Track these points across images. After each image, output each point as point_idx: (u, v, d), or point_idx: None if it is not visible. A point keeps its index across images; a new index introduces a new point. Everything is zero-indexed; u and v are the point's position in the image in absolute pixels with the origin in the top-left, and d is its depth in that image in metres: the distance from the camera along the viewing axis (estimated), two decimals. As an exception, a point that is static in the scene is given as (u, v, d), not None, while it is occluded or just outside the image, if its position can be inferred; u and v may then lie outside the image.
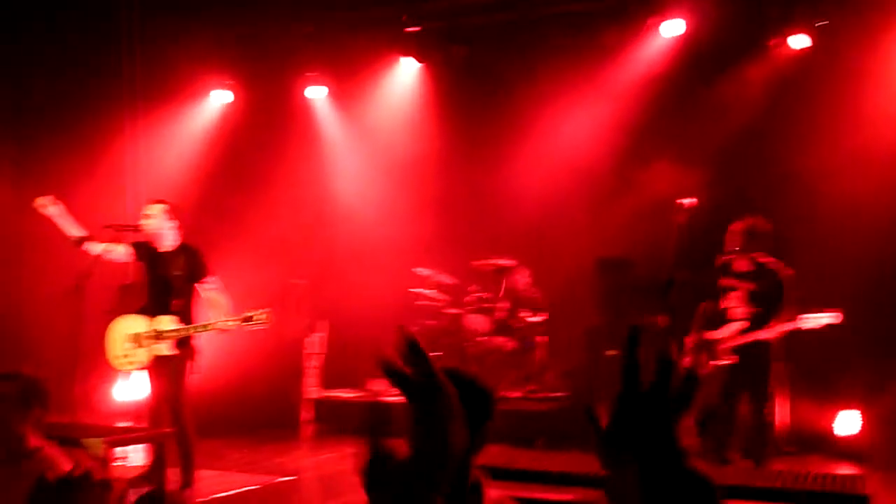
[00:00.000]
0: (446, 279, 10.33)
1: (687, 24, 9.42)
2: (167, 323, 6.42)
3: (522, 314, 9.98)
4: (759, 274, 6.67)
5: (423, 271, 10.21)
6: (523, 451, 6.04)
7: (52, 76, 9.50)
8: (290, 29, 10.50)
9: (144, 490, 6.29)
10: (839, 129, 8.62)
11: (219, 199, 10.32)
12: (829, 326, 6.47)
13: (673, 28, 9.46)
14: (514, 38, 10.23)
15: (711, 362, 6.67)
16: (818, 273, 7.63)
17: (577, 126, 10.05)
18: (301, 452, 8.94)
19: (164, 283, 6.51)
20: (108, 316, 6.76)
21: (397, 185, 10.75)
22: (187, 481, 6.40)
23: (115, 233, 6.54)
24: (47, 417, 3.65)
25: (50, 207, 6.46)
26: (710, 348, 6.70)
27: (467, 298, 10.26)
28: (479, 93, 10.67)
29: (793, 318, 6.48)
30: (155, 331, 6.41)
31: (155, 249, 6.60)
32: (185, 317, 6.50)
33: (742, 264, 6.73)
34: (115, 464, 7.06)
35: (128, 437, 6.29)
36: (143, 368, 6.56)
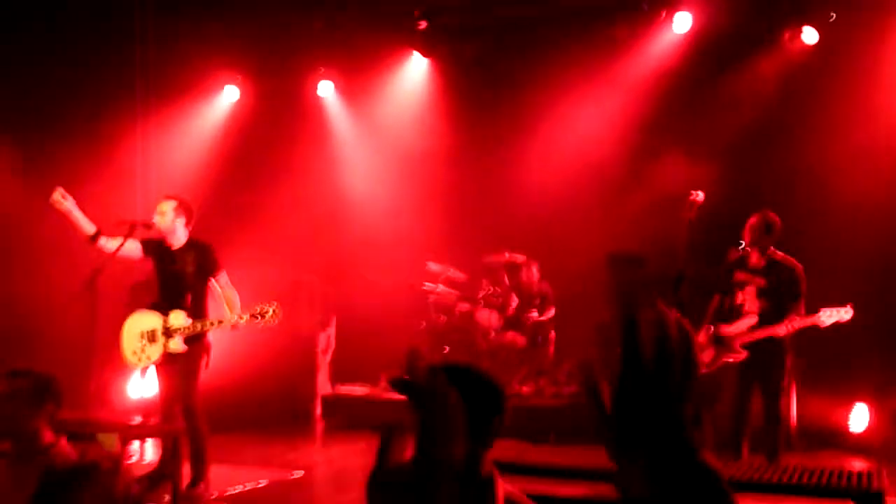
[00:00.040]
0: (457, 275, 10.33)
1: (697, 19, 9.40)
2: (179, 319, 6.44)
3: (533, 310, 9.98)
4: (772, 269, 6.65)
5: (433, 267, 10.22)
6: (535, 446, 6.03)
7: (62, 72, 9.52)
8: (300, 25, 10.51)
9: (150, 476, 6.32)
10: (850, 124, 8.58)
11: (229, 195, 10.34)
12: (841, 322, 6.45)
13: (684, 22, 9.43)
14: (523, 33, 10.23)
15: (725, 357, 6.66)
16: (829, 268, 7.61)
17: (587, 121, 10.04)
18: (312, 448, 8.96)
19: (176, 280, 6.53)
20: (122, 312, 6.78)
21: (408, 181, 10.76)
22: (200, 476, 6.43)
23: (130, 229, 6.55)
24: (60, 413, 3.67)
25: (66, 203, 6.48)
26: (723, 343, 6.69)
27: (478, 294, 10.26)
28: (489, 88, 10.66)
29: (809, 314, 6.45)
30: (167, 327, 6.44)
31: (166, 246, 6.62)
32: (197, 313, 6.51)
33: (755, 259, 6.72)
34: (128, 460, 7.11)
35: (141, 433, 6.32)
36: (156, 365, 6.58)
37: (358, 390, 10.30)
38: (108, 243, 6.53)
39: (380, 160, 11.18)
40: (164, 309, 6.51)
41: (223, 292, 6.60)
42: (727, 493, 1.03)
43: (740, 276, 6.75)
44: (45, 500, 1.71)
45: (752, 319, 6.61)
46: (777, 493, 4.27)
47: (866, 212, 8.34)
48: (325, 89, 11.12)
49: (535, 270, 10.11)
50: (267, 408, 9.73)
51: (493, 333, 10.00)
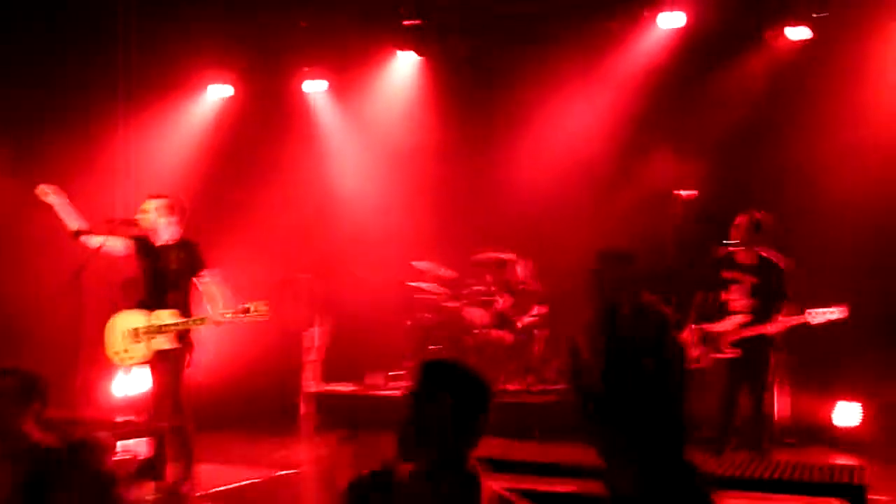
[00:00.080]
0: (446, 272, 10.32)
1: (687, 16, 9.40)
2: (165, 317, 6.42)
3: (522, 307, 9.98)
4: (762, 267, 6.67)
5: (422, 264, 10.21)
6: (523, 443, 6.05)
7: (49, 71, 9.46)
8: (289, 23, 10.48)
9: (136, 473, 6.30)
10: (838, 122, 8.61)
11: (218, 193, 10.31)
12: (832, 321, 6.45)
13: (672, 20, 9.44)
14: (512, 30, 10.22)
15: (713, 355, 6.67)
16: (818, 265, 7.64)
17: (577, 118, 10.05)
18: (302, 446, 8.95)
19: (162, 278, 6.52)
20: (109, 309, 6.76)
21: (397, 178, 10.75)
22: (187, 475, 6.41)
23: (115, 227, 6.53)
24: (47, 412, 3.66)
25: (52, 196, 6.47)
26: (711, 341, 6.70)
27: (466, 291, 10.26)
28: (477, 85, 10.66)
29: (798, 312, 6.47)
30: (153, 325, 6.42)
31: (152, 244, 6.60)
32: (183, 310, 6.50)
33: (744, 257, 6.72)
34: (116, 457, 7.07)
35: (128, 431, 6.30)
36: (142, 363, 6.56)
37: (345, 388, 10.29)
38: (91, 240, 6.51)
39: (369, 158, 11.17)
40: (149, 307, 6.49)
41: (209, 290, 6.58)
42: (708, 496, 1.03)
43: (728, 274, 6.77)
44: (34, 481, 1.70)
45: (741, 317, 6.62)
46: (761, 489, 4.28)
47: (855, 209, 8.37)
48: (314, 87, 11.10)
49: (521, 268, 10.10)
50: (255, 406, 9.71)
51: (480, 330, 10.00)
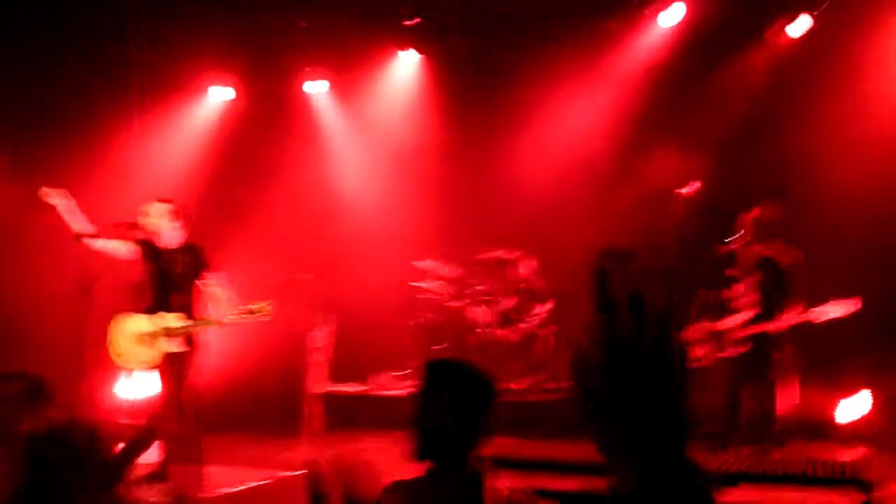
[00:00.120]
0: (449, 271, 10.33)
1: (687, 12, 9.40)
2: (171, 320, 6.43)
3: (526, 305, 9.98)
4: (765, 264, 6.65)
5: (426, 264, 10.21)
6: (529, 441, 6.06)
7: (54, 73, 9.48)
8: (290, 24, 10.49)
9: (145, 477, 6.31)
10: (841, 114, 8.61)
11: (221, 194, 10.33)
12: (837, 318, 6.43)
13: (673, 16, 9.44)
14: (513, 28, 10.23)
15: (718, 353, 6.66)
16: (822, 259, 7.62)
17: (578, 116, 10.05)
18: (309, 447, 8.94)
19: (167, 281, 6.53)
20: (115, 313, 6.77)
21: (399, 178, 10.76)
22: (195, 477, 6.42)
23: (120, 230, 6.55)
24: (52, 415, 3.66)
25: (57, 199, 6.48)
26: (716, 338, 6.69)
27: (470, 290, 10.26)
28: (479, 84, 10.67)
29: (803, 311, 6.45)
30: (159, 328, 6.43)
31: (157, 247, 6.61)
32: (188, 313, 6.51)
33: (748, 254, 6.70)
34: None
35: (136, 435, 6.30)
36: (147, 366, 6.57)
37: (351, 389, 10.30)
38: (95, 243, 6.52)
39: (371, 157, 11.18)
40: (154, 310, 6.50)
41: (214, 292, 6.59)
42: (709, 494, 1.03)
43: (733, 271, 6.75)
44: (35, 462, 1.68)
45: (747, 314, 6.61)
46: (770, 483, 4.28)
47: (859, 202, 8.36)
48: (316, 88, 11.11)
49: (525, 266, 10.10)
50: (261, 407, 9.72)
51: (484, 329, 10.00)
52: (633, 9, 9.68)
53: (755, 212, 6.66)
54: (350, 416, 9.69)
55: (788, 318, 6.50)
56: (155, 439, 6.28)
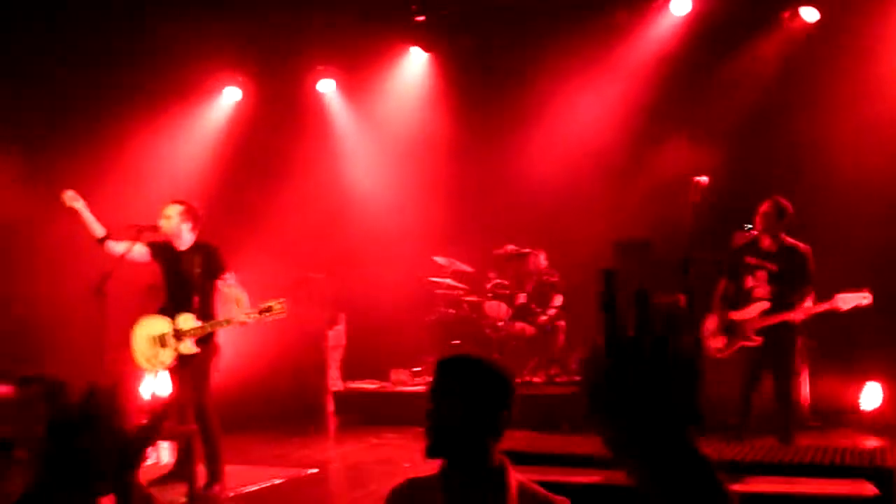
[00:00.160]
0: (464, 267, 10.34)
1: (696, 2, 9.37)
2: (188, 321, 6.46)
3: (543, 299, 9.99)
4: (783, 254, 6.62)
5: (440, 260, 10.23)
6: (547, 435, 6.05)
7: (65, 77, 9.54)
8: (299, 24, 10.50)
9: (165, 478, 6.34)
10: (853, 100, 8.57)
11: (235, 195, 10.37)
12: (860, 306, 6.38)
13: (683, 5, 9.41)
14: (523, 22, 10.21)
15: (739, 343, 6.63)
16: (836, 245, 7.60)
17: (589, 108, 10.03)
18: (325, 444, 8.99)
19: (183, 282, 6.55)
20: (133, 314, 6.81)
21: (411, 175, 10.77)
22: (215, 477, 6.45)
23: (138, 233, 6.58)
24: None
25: (78, 202, 6.52)
26: (736, 329, 6.67)
27: (487, 285, 10.27)
28: (489, 79, 10.66)
29: (823, 299, 6.41)
30: (176, 330, 6.46)
31: (173, 249, 6.64)
32: (205, 314, 6.54)
33: (767, 244, 6.67)
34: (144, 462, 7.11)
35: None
36: (167, 368, 6.61)
37: (369, 386, 10.34)
38: (116, 246, 6.56)
39: (383, 155, 11.20)
40: (172, 312, 6.53)
41: (230, 292, 6.62)
42: (721, 484, 1.02)
43: (751, 260, 6.71)
44: (58, 441, 1.68)
45: (764, 304, 6.58)
46: (791, 473, 4.27)
47: (873, 188, 8.32)
48: (326, 87, 11.13)
49: (542, 259, 10.13)
50: (279, 406, 9.77)
51: (501, 324, 10.01)
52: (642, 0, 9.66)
53: (766, 204, 6.63)
54: (368, 412, 9.73)
55: (812, 307, 6.46)
56: (163, 429, 6.29)
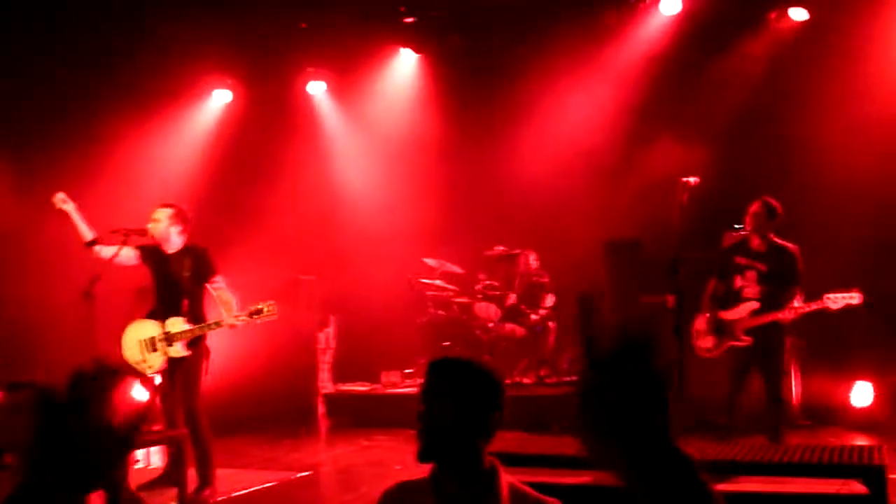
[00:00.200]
0: (454, 268, 10.35)
1: (685, 2, 9.39)
2: (178, 324, 6.45)
3: (533, 300, 10.00)
4: (773, 254, 6.64)
5: (430, 262, 10.24)
6: (537, 436, 6.07)
7: (55, 80, 9.51)
8: (289, 26, 10.49)
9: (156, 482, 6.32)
10: (842, 99, 8.60)
11: (225, 197, 10.35)
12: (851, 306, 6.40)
13: (672, 5, 9.43)
14: (512, 23, 10.22)
15: (728, 343, 6.65)
16: (826, 245, 7.63)
17: (579, 108, 10.05)
18: (316, 447, 8.98)
19: (173, 285, 6.54)
20: (123, 318, 6.79)
21: (401, 176, 10.77)
22: (206, 480, 6.44)
23: (125, 236, 6.56)
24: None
25: (68, 204, 6.50)
26: (725, 329, 6.68)
27: (476, 287, 10.28)
28: (479, 80, 10.67)
29: (812, 298, 6.43)
30: (166, 333, 6.45)
31: (162, 252, 6.63)
32: (196, 317, 6.52)
33: (757, 244, 6.68)
34: (133, 466, 7.11)
35: (145, 440, 6.32)
36: (157, 372, 6.59)
37: (360, 388, 10.33)
38: (104, 250, 6.55)
39: (373, 157, 11.20)
40: (162, 315, 6.52)
41: (219, 295, 6.60)
42: (705, 484, 1.02)
43: (740, 260, 6.73)
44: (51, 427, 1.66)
45: (753, 304, 6.60)
46: (780, 473, 4.28)
47: (862, 187, 8.35)
48: (316, 88, 11.12)
49: (532, 259, 10.14)
50: (269, 409, 9.75)
51: (492, 325, 10.02)
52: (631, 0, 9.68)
53: (756, 204, 6.65)
54: (359, 414, 9.72)
55: (801, 307, 6.48)
56: (149, 421, 6.27)
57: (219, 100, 11.13)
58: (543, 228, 10.07)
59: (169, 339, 6.43)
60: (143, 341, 6.51)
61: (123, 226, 6.63)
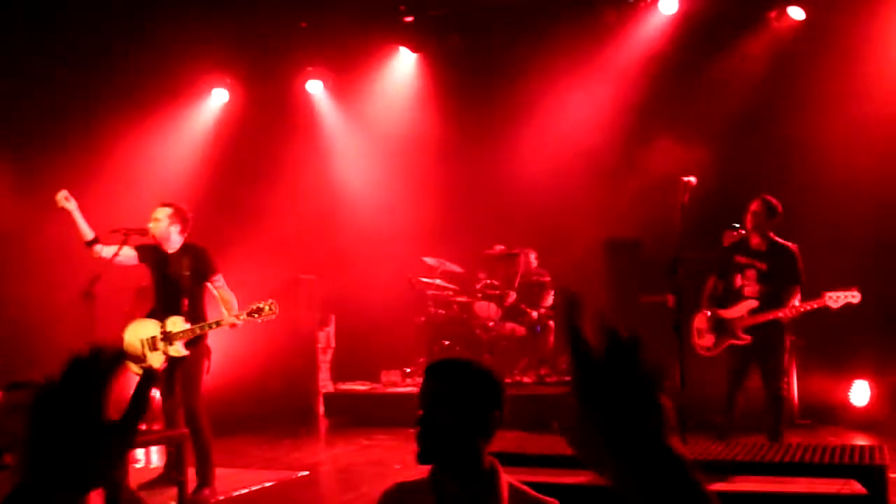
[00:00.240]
0: (454, 267, 10.34)
1: (685, 1, 9.39)
2: (178, 324, 6.45)
3: (533, 298, 10.00)
4: (773, 252, 6.64)
5: (430, 261, 10.23)
6: (537, 435, 6.06)
7: (54, 81, 9.52)
8: (288, 25, 10.50)
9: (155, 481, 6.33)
10: (842, 99, 8.60)
11: (224, 196, 10.35)
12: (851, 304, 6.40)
13: (671, 4, 9.43)
14: (512, 22, 10.23)
15: (728, 341, 6.65)
16: (825, 244, 7.63)
17: (579, 108, 10.05)
18: (316, 447, 8.98)
19: (173, 285, 6.54)
20: (122, 317, 6.79)
21: (401, 176, 10.77)
22: (205, 480, 6.44)
23: (124, 235, 6.56)
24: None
25: (71, 203, 6.50)
26: (725, 327, 6.69)
27: (476, 286, 10.28)
28: (479, 79, 10.67)
29: (813, 297, 6.43)
30: (166, 333, 6.45)
31: (162, 251, 6.63)
32: (196, 316, 6.52)
33: (757, 242, 6.68)
34: (133, 466, 7.11)
35: (145, 439, 6.33)
36: (160, 371, 6.58)
37: (360, 387, 10.33)
38: (105, 250, 6.55)
39: (372, 156, 11.20)
40: (161, 315, 6.52)
41: (220, 294, 6.61)
42: (699, 484, 1.02)
43: (740, 259, 6.73)
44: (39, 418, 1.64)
45: (753, 303, 6.60)
46: (779, 472, 4.28)
47: (862, 187, 8.35)
48: (316, 87, 11.13)
49: (532, 258, 10.14)
50: (269, 408, 9.75)
51: (492, 324, 10.02)
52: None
53: (756, 203, 6.64)
54: (359, 414, 9.72)
55: (802, 305, 6.48)
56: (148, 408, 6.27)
57: (218, 99, 11.14)
58: (543, 228, 10.07)
59: (169, 338, 6.43)
60: (143, 340, 6.51)
61: (123, 225, 6.63)
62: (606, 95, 9.87)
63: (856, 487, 4.04)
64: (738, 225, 7.04)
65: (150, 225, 6.61)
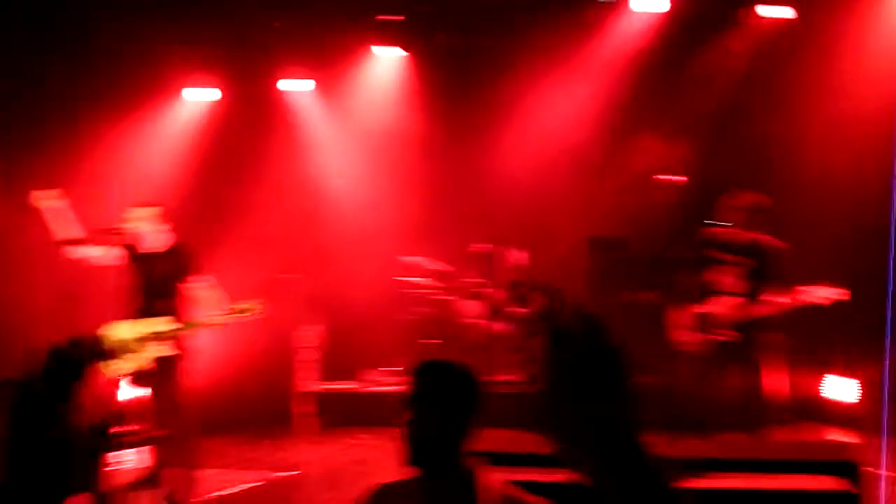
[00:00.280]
0: (439, 266, 10.34)
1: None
2: (160, 324, 6.43)
3: (517, 296, 10.00)
4: (756, 249, 6.67)
5: (415, 259, 10.23)
6: (526, 434, 6.07)
7: (33, 81, 9.46)
8: (268, 23, 10.46)
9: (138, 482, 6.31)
10: (820, 96, 8.66)
11: (207, 196, 10.30)
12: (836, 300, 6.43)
13: (640, 3, 9.46)
14: (496, 20, 10.23)
15: (710, 337, 6.68)
16: (804, 240, 7.67)
17: (563, 105, 10.07)
18: (300, 446, 8.97)
19: (154, 285, 6.52)
20: (106, 317, 6.76)
21: (386, 175, 10.76)
22: (188, 481, 6.43)
23: (104, 236, 6.54)
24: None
25: (45, 203, 6.47)
26: (707, 323, 6.71)
27: (460, 284, 10.28)
28: (461, 77, 10.66)
29: (791, 293, 6.46)
30: (148, 332, 6.42)
31: (143, 252, 6.61)
32: (180, 316, 6.51)
33: (739, 238, 6.71)
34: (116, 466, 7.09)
35: (131, 440, 6.31)
36: (139, 371, 6.57)
37: (345, 386, 10.31)
38: (88, 250, 6.52)
39: (356, 154, 11.17)
40: (145, 315, 6.50)
41: (204, 294, 6.59)
42: (667, 483, 1.03)
43: (722, 255, 6.76)
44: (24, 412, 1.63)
45: (736, 299, 6.63)
46: (761, 469, 4.31)
47: (839, 183, 8.41)
48: (297, 86, 11.09)
49: (518, 256, 10.14)
50: (253, 408, 9.72)
51: (477, 323, 10.02)
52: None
53: (739, 199, 6.67)
54: (344, 413, 9.71)
55: (778, 302, 6.51)
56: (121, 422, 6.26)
57: (201, 98, 11.08)
58: (529, 225, 10.08)
59: (152, 338, 6.42)
60: (126, 341, 6.49)
61: (106, 225, 6.61)
62: (589, 93, 9.90)
63: (837, 483, 4.08)
64: (721, 221, 7.07)
65: (133, 225, 6.59)
